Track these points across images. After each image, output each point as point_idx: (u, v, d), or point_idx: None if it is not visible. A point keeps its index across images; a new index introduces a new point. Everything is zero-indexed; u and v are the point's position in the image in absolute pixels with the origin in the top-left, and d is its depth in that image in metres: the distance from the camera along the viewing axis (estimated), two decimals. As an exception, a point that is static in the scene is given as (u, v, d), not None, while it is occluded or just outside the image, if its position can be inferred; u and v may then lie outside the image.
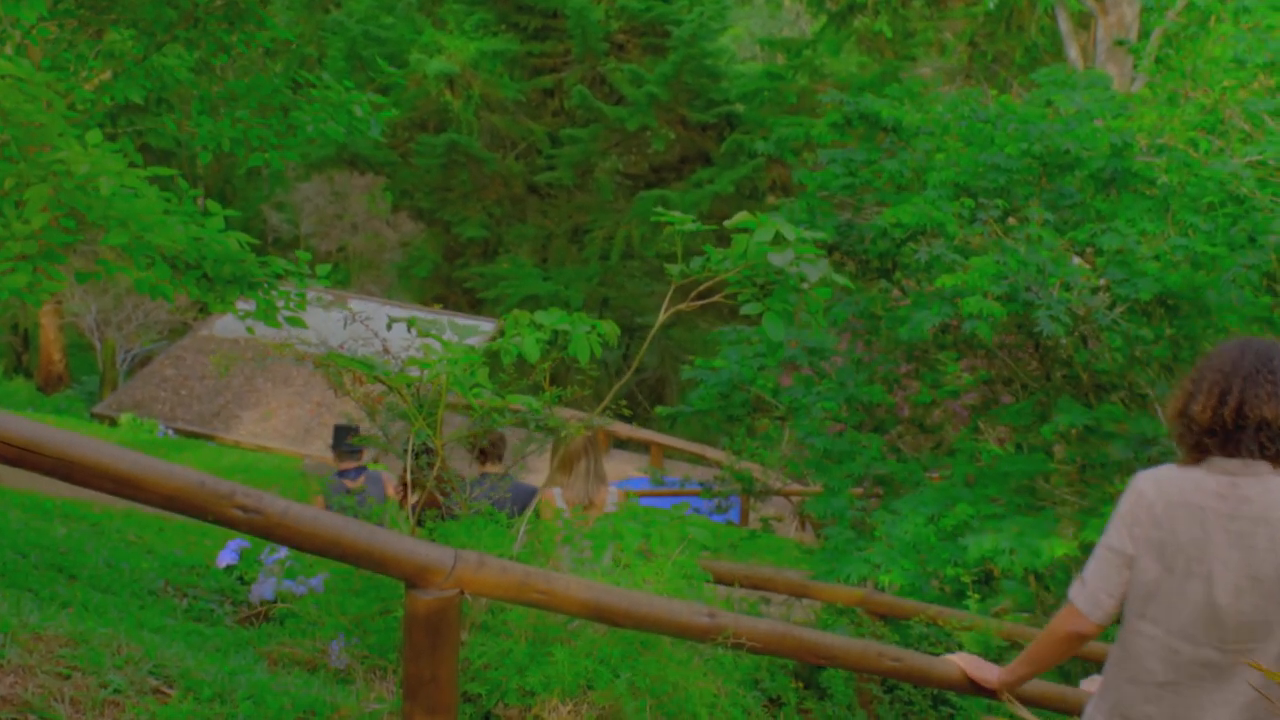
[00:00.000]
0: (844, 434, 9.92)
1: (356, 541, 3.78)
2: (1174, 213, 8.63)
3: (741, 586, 9.93)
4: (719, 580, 9.78)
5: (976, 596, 8.20)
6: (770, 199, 38.43)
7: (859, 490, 9.88)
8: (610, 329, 6.90)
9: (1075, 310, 7.97)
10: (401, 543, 3.85)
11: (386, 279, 38.10)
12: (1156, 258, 8.38)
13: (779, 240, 7.03)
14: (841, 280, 7.27)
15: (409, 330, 4.88)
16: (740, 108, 38.95)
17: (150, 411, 26.94)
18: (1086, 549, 8.09)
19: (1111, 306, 8.26)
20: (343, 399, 5.09)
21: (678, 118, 39.25)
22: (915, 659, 4.78)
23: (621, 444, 29.30)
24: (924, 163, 9.84)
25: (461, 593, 3.87)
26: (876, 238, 9.86)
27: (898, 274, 10.57)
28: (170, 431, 25.81)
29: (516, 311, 6.45)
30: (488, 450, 7.90)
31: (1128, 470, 8.30)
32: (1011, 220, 9.12)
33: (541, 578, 4.00)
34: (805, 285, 7.19)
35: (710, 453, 25.19)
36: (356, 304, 29.46)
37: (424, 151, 39.28)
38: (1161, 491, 3.65)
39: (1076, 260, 9.07)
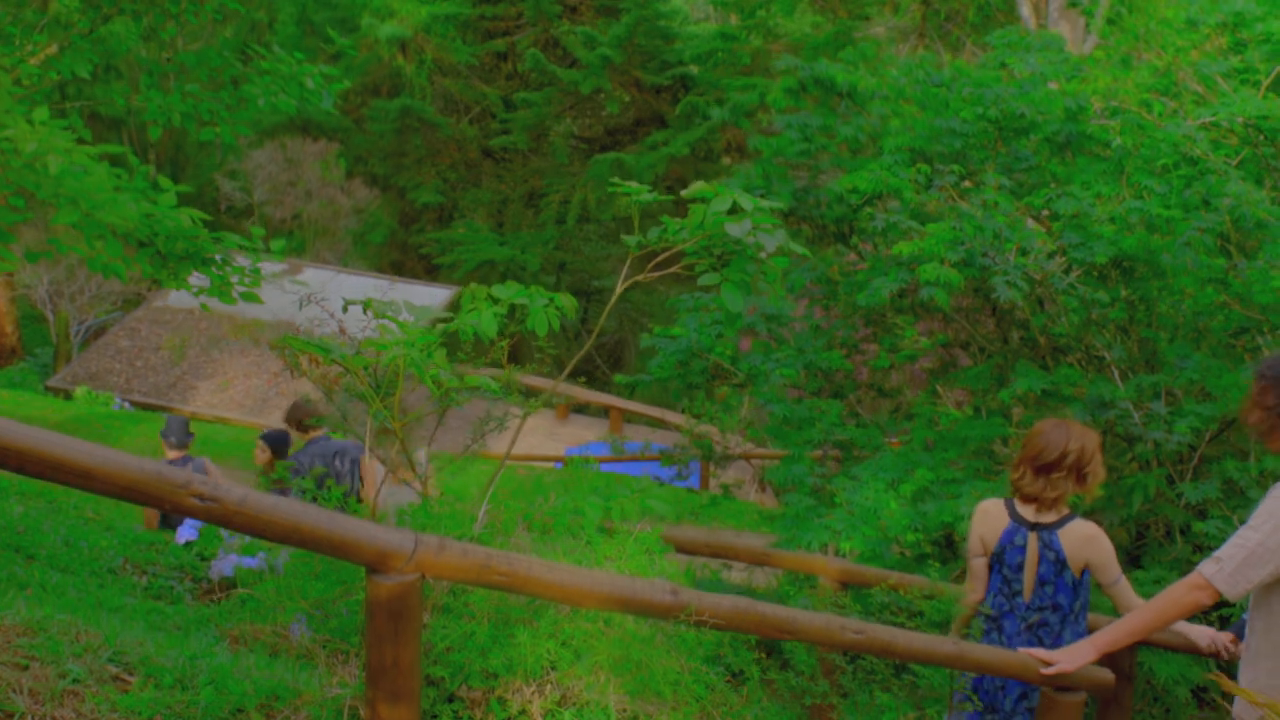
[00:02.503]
0: (803, 400, 9.92)
1: (316, 527, 3.75)
2: (1128, 175, 8.64)
3: (703, 555, 9.94)
4: (681, 549, 9.80)
5: (935, 564, 8.23)
6: (726, 160, 38.37)
7: (819, 454, 9.89)
8: (568, 301, 6.87)
9: (1032, 275, 7.98)
10: (361, 528, 3.82)
11: (342, 246, 37.85)
12: (1111, 220, 8.40)
13: (736, 210, 7.01)
14: (799, 249, 7.26)
15: (364, 312, 4.84)
16: (694, 69, 38.78)
17: (105, 384, 26.72)
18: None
19: (1068, 270, 8.27)
20: (299, 375, 5.05)
21: (632, 80, 39.07)
22: (878, 631, 4.80)
23: (581, 409, 29.27)
24: (879, 127, 9.81)
25: (423, 577, 3.85)
26: (833, 203, 9.85)
27: (854, 238, 10.56)
28: (126, 404, 25.60)
29: (473, 285, 6.40)
30: (305, 422, 8.82)
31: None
32: (967, 184, 9.12)
33: (503, 560, 3.99)
34: (763, 254, 7.17)
35: (670, 416, 25.19)
36: (311, 273, 29.31)
37: (377, 117, 38.98)
38: None
39: (1031, 224, 9.08)
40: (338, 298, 5.13)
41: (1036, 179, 9.21)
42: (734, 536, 9.78)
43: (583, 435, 27.21)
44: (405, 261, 40.26)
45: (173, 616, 7.16)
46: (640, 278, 7.36)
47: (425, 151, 40.15)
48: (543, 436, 26.91)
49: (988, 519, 5.61)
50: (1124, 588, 5.42)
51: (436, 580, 4.26)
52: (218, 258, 8.05)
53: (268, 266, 8.96)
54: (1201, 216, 7.67)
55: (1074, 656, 4.91)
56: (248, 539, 9.17)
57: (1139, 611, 4.76)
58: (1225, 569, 4.37)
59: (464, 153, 40.63)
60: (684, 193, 7.09)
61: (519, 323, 6.54)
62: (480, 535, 4.56)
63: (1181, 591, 4.50)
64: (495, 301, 6.51)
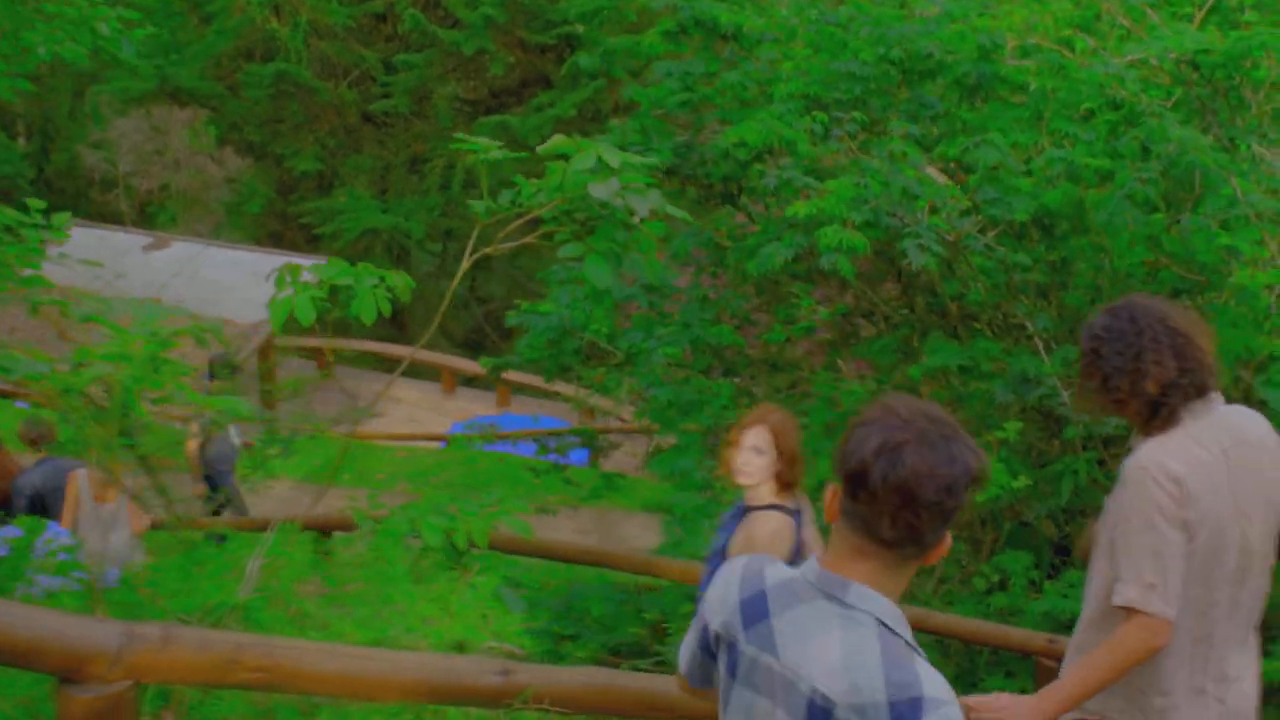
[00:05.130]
0: (690, 380, 8.86)
1: (-25, 625, 2.62)
2: (1047, 122, 7.68)
3: (581, 563, 8.94)
4: (558, 558, 8.77)
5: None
6: (614, 121, 37.29)
7: (709, 439, 8.90)
8: (402, 281, 5.79)
9: (945, 236, 6.98)
10: (43, 621, 2.69)
11: (215, 217, 36.18)
12: (1029, 172, 7.44)
13: (602, 168, 5.97)
14: (677, 212, 6.23)
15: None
16: (580, 28, 37.59)
17: (-42, 370, 25.02)
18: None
19: (983, 230, 7.29)
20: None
21: (516, 40, 37.88)
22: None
23: (469, 381, 28.09)
24: (770, 74, 8.76)
25: (136, 684, 2.74)
26: (719, 159, 8.80)
27: (743, 198, 9.53)
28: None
29: (289, 263, 5.37)
30: (37, 439, 8.64)
31: (1006, 413, 7.37)
32: (868, 135, 8.09)
33: (261, 650, 2.87)
34: (635, 219, 6.14)
35: (561, 388, 24.07)
36: (180, 246, 27.85)
37: (251, 82, 37.41)
38: (1188, 466, 3.48)
39: (940, 178, 8.08)
40: (207, 273, 4.06)
41: (945, 127, 8.21)
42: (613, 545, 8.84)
43: (470, 409, 26.04)
44: (285, 232, 38.77)
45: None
46: (488, 251, 6.31)
47: (303, 117, 38.72)
48: (429, 411, 25.81)
49: None
50: None
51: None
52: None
53: (130, 239, 7.79)
54: (1143, 166, 6.66)
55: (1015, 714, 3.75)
56: (61, 555, 8.08)
57: (1088, 663, 3.52)
58: (1156, 591, 3.40)
59: (343, 118, 39.20)
60: (540, 148, 6.05)
61: (343, 307, 5.50)
62: (249, 603, 3.39)
63: (1135, 641, 3.41)
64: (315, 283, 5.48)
